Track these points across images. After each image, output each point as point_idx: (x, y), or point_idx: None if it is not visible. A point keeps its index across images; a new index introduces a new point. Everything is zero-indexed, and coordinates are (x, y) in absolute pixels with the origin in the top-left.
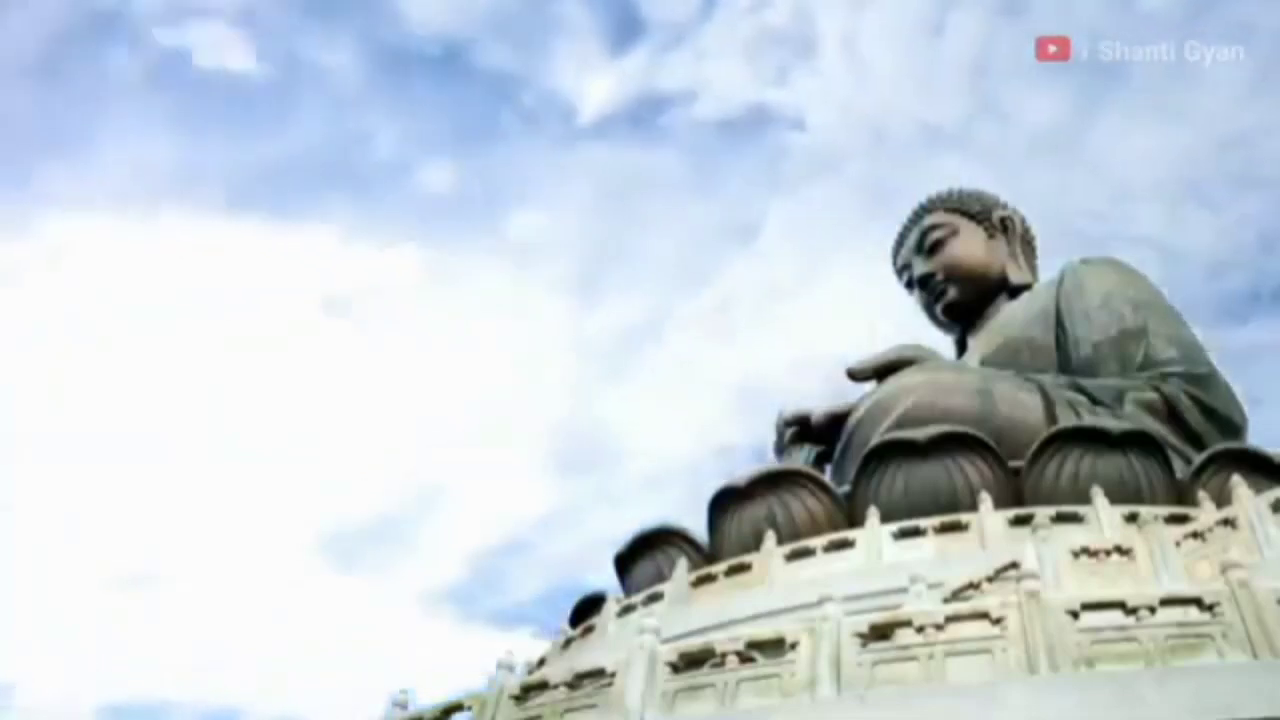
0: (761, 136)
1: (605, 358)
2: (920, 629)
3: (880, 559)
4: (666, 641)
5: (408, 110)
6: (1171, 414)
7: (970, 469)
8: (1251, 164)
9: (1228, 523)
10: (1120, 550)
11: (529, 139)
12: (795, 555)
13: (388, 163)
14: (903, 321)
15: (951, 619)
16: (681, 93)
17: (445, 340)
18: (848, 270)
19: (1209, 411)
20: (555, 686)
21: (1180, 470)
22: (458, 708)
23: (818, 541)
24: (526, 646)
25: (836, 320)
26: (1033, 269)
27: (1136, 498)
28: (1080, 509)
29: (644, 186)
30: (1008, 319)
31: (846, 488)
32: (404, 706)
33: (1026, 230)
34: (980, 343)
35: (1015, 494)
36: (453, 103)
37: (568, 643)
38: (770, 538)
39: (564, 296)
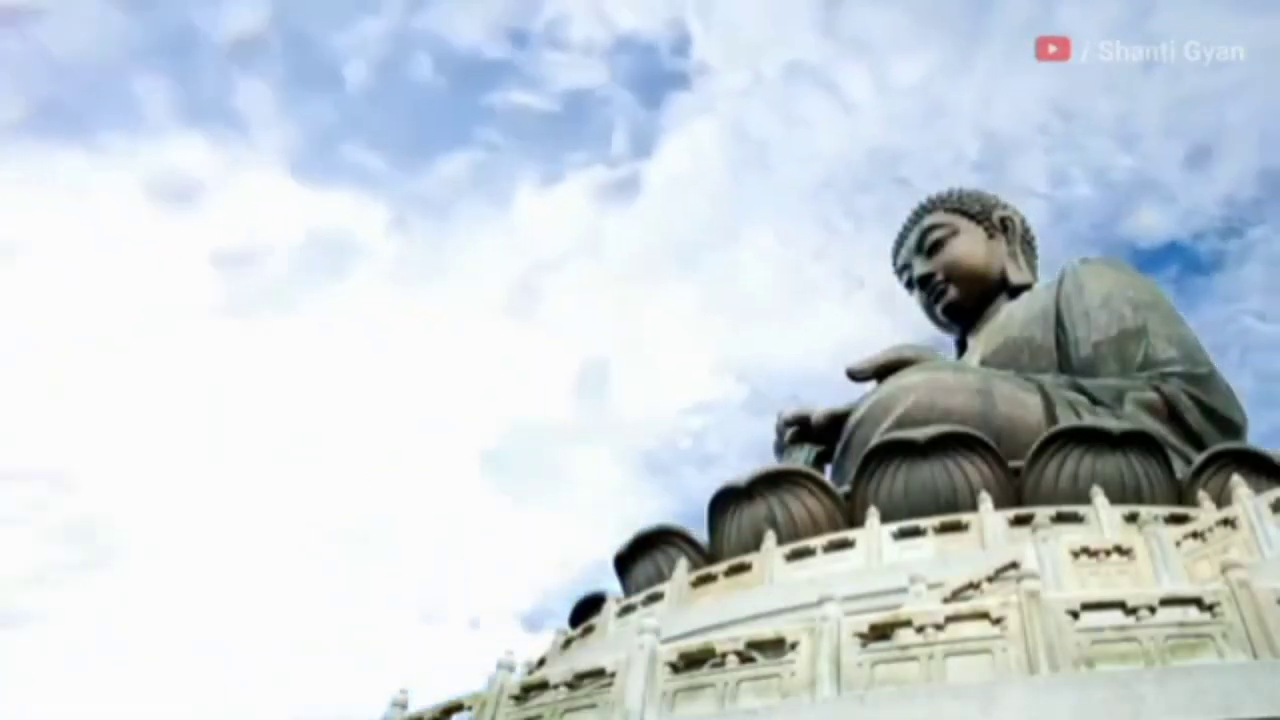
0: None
1: None
2: (920, 629)
3: (880, 559)
4: (666, 641)
5: None
6: (1171, 414)
7: (970, 469)
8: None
9: (1228, 523)
10: (1120, 550)
11: None
12: (795, 555)
13: None
14: None
15: (951, 619)
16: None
17: None
18: None
19: (1209, 411)
20: (555, 686)
21: (1180, 470)
22: (458, 708)
23: (818, 541)
24: (526, 646)
25: None
26: (1033, 269)
27: (1136, 498)
28: (1080, 509)
29: None
30: (1008, 319)
31: (846, 488)
32: (404, 706)
33: (1026, 230)
34: (980, 343)
35: (1015, 494)
36: None
37: (568, 643)
38: (770, 538)
39: None
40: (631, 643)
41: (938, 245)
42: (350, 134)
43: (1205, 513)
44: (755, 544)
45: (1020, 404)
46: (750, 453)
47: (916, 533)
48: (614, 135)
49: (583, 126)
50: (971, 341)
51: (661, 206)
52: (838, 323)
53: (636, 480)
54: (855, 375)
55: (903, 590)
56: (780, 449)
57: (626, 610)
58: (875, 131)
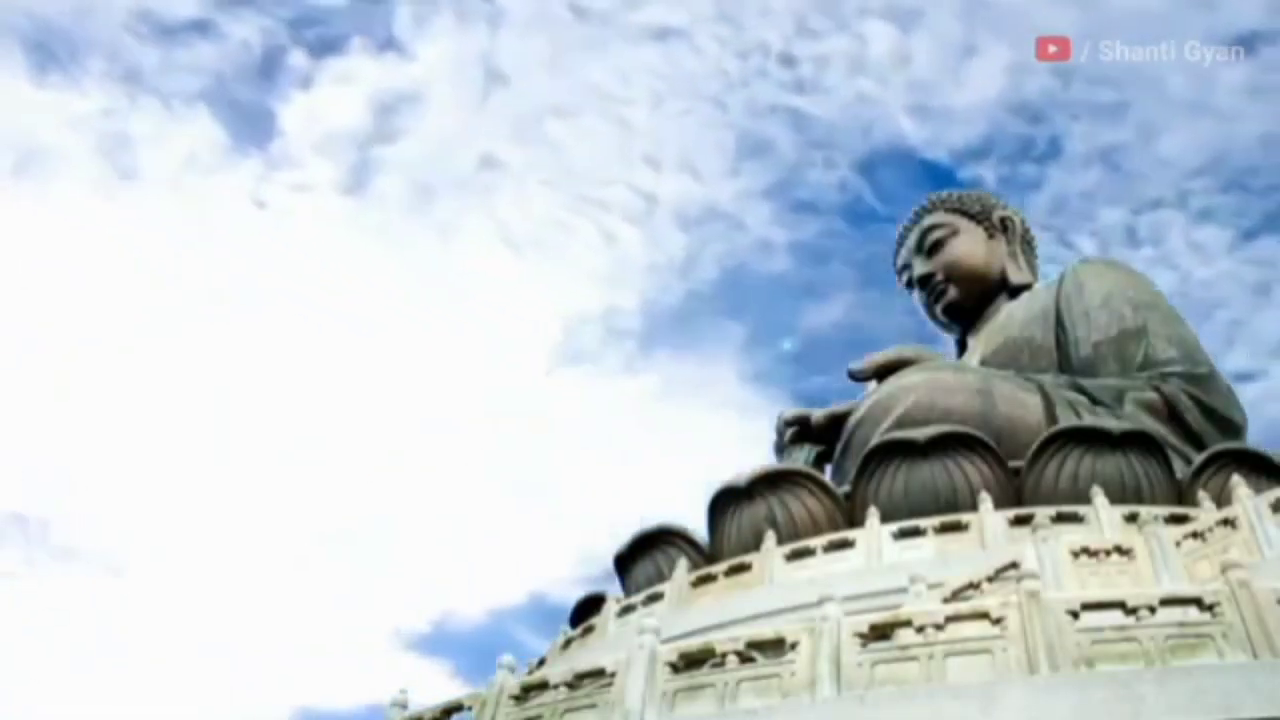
0: None
1: None
2: (920, 629)
3: (880, 559)
4: (666, 641)
5: None
6: (1171, 414)
7: (970, 469)
8: None
9: (1228, 523)
10: (1120, 550)
11: None
12: (795, 555)
13: None
14: None
15: (951, 619)
16: None
17: None
18: None
19: (1209, 411)
20: (555, 686)
21: (1180, 470)
22: (458, 708)
23: (818, 541)
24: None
25: None
26: (1033, 269)
27: (1136, 498)
28: (1080, 509)
29: None
30: (1008, 319)
31: (846, 488)
32: (404, 706)
33: (1026, 230)
34: (980, 343)
35: (1015, 494)
36: None
37: (568, 643)
38: (770, 538)
39: None
40: (631, 643)
41: (938, 245)
42: None
43: (1205, 513)
44: (755, 544)
45: (1020, 404)
46: None
47: (916, 533)
48: None
49: None
50: (971, 341)
51: None
52: None
53: None
54: (855, 375)
55: (903, 590)
56: (780, 449)
57: (626, 610)
58: None
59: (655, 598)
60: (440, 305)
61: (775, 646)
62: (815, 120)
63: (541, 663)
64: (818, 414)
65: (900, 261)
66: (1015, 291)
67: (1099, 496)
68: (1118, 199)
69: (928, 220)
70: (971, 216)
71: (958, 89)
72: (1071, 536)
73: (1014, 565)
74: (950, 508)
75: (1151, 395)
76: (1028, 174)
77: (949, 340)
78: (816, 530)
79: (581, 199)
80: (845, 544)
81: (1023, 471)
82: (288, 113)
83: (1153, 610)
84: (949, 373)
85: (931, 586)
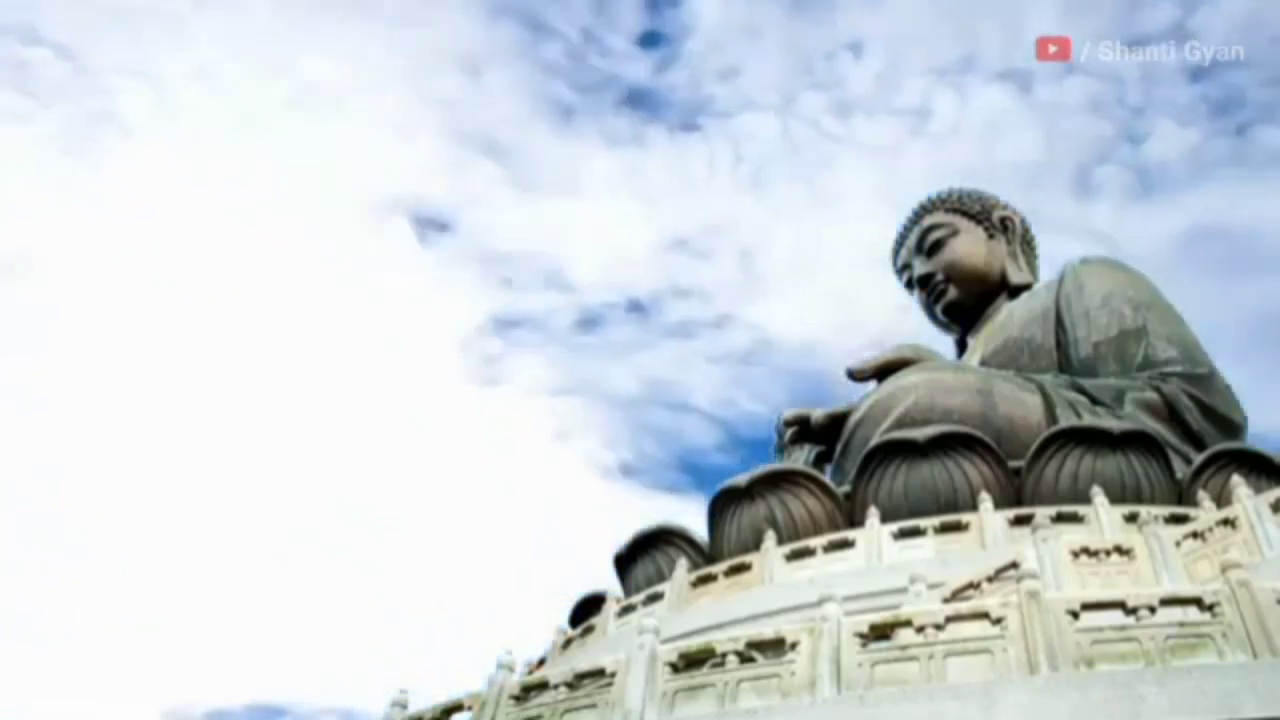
0: None
1: None
2: (920, 629)
3: (880, 559)
4: (666, 641)
5: None
6: (1171, 414)
7: (970, 469)
8: None
9: (1228, 523)
10: (1120, 550)
11: None
12: (795, 555)
13: None
14: None
15: (951, 619)
16: None
17: None
18: None
19: (1209, 411)
20: (555, 686)
21: (1180, 470)
22: (458, 708)
23: (818, 541)
24: (526, 645)
25: None
26: (1033, 269)
27: (1136, 498)
28: (1080, 509)
29: None
30: (1008, 319)
31: (846, 488)
32: (404, 706)
33: (1026, 230)
34: (980, 343)
35: (1015, 494)
36: None
37: (568, 643)
38: (770, 538)
39: None
40: (631, 643)
41: (938, 245)
42: None
43: (1205, 513)
44: (755, 544)
45: (1020, 404)
46: None
47: (916, 533)
48: None
49: None
50: (971, 341)
51: None
52: None
53: None
54: (855, 375)
55: (903, 590)
56: (780, 449)
57: (626, 610)
58: None
59: (655, 598)
60: None
61: (775, 646)
62: None
63: (541, 663)
64: (818, 414)
65: (900, 261)
66: (1015, 291)
67: (1099, 496)
68: None
69: (928, 220)
70: (971, 216)
71: None
72: (1071, 536)
73: (1014, 565)
74: (950, 508)
75: (1151, 395)
76: None
77: (948, 340)
78: (816, 530)
79: None
80: (845, 544)
81: (1023, 471)
82: None
83: (1153, 610)
84: (949, 373)
85: (931, 586)
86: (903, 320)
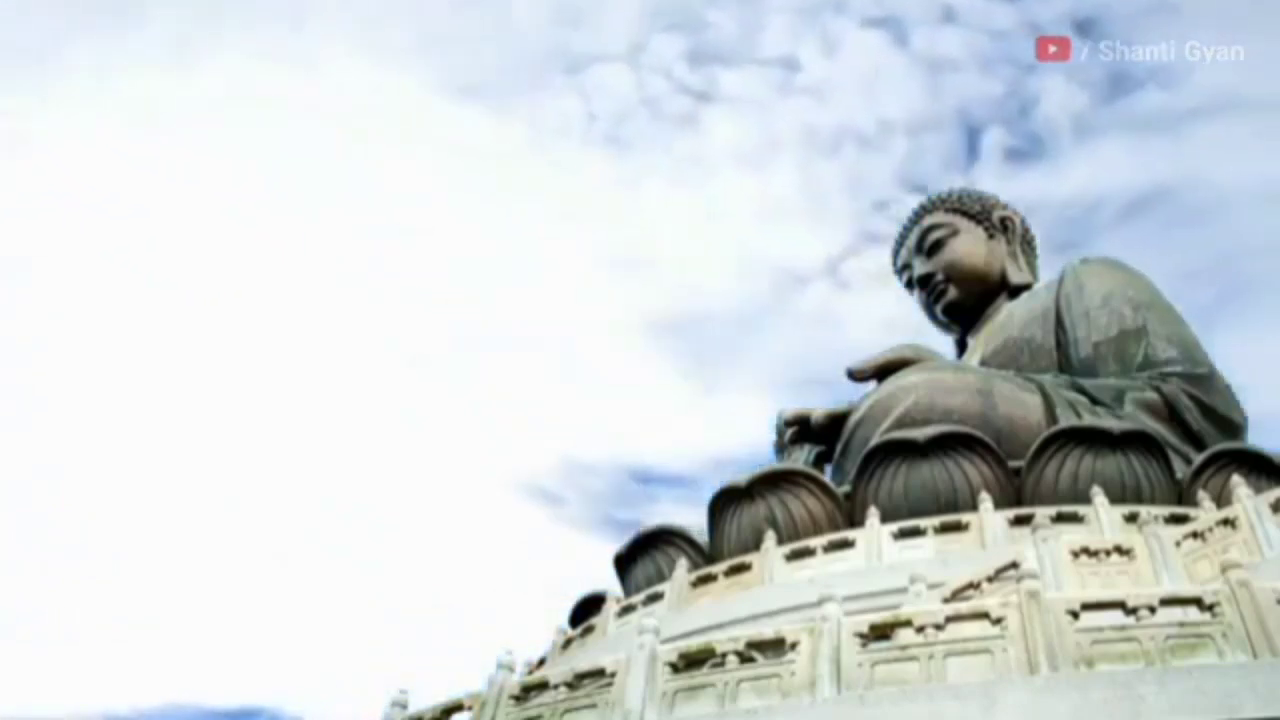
0: None
1: None
2: (920, 629)
3: (880, 559)
4: (666, 641)
5: None
6: (1171, 414)
7: (970, 469)
8: None
9: (1228, 523)
10: (1120, 550)
11: None
12: (795, 555)
13: None
14: None
15: (951, 619)
16: None
17: None
18: None
19: (1209, 411)
20: (555, 686)
21: (1180, 470)
22: (458, 708)
23: (818, 541)
24: (526, 645)
25: None
26: (1033, 269)
27: (1136, 498)
28: (1080, 509)
29: None
30: (1008, 319)
31: (846, 488)
32: (404, 706)
33: (1026, 230)
34: (980, 343)
35: (1015, 494)
36: None
37: (568, 643)
38: (770, 538)
39: None
40: (631, 643)
41: (938, 245)
42: None
43: (1205, 513)
44: (755, 544)
45: (1020, 404)
46: None
47: (916, 533)
48: None
49: None
50: (971, 341)
51: None
52: None
53: None
54: (855, 375)
55: (903, 590)
56: (780, 449)
57: (626, 610)
58: None
59: (655, 598)
60: None
61: (775, 646)
62: None
63: (541, 663)
64: (818, 414)
65: (900, 261)
66: (1015, 291)
67: (1099, 496)
68: None
69: (928, 220)
70: (971, 216)
71: None
72: (1071, 536)
73: (1014, 565)
74: (950, 508)
75: (1151, 395)
76: None
77: (948, 340)
78: (816, 530)
79: None
80: (845, 544)
81: (1023, 471)
82: None
83: (1153, 610)
84: (949, 373)
85: (931, 586)
86: None
